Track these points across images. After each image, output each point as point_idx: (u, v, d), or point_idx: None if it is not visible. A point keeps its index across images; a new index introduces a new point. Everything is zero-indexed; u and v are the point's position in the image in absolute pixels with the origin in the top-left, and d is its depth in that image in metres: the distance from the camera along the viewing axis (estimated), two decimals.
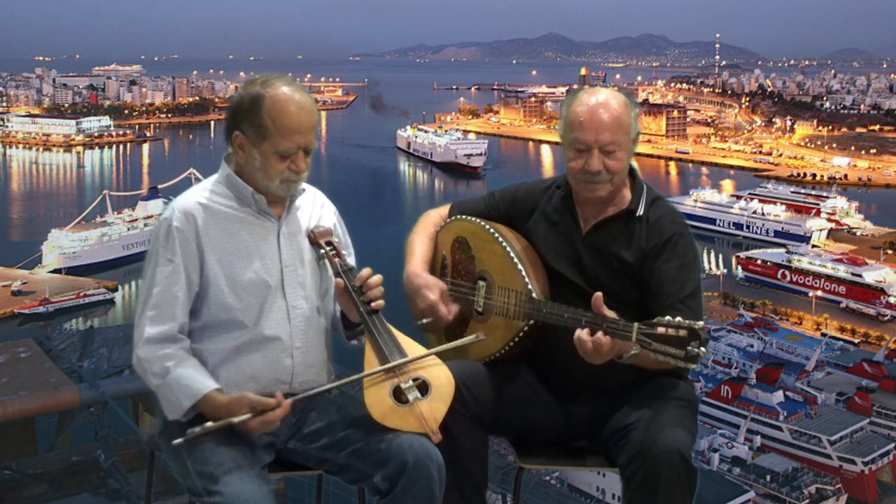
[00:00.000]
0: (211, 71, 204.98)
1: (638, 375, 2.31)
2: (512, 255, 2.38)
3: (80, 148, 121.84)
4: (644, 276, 2.29)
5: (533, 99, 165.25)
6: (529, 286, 2.32)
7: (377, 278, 2.26)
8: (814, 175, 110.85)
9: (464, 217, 2.56)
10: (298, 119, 2.17)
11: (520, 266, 2.36)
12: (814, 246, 68.48)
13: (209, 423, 2.03)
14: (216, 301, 2.18)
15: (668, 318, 2.03)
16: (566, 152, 2.36)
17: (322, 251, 2.30)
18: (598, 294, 2.13)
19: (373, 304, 2.24)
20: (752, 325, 50.60)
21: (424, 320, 2.42)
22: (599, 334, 2.10)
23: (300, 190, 2.31)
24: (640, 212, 2.36)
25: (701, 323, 2.02)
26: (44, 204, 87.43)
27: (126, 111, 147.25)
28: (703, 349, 1.99)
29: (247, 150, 2.20)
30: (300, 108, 2.18)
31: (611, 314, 2.11)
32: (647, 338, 2.03)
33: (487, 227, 2.48)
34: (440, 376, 2.20)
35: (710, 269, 64.78)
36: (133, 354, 2.15)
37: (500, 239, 2.43)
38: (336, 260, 2.28)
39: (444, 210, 2.65)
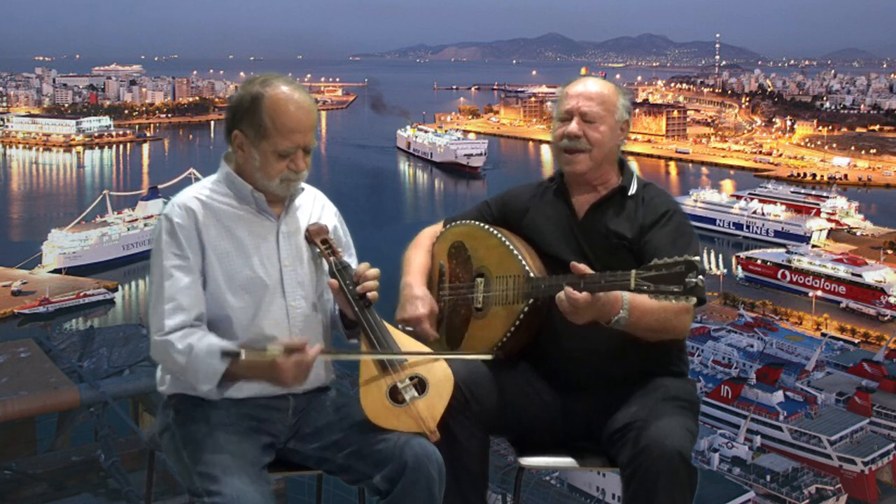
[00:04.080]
0: (211, 71, 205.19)
1: (637, 368, 2.33)
2: (507, 242, 2.40)
3: (80, 148, 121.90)
4: (644, 248, 2.32)
5: (533, 99, 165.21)
6: (526, 267, 2.34)
7: (374, 271, 2.25)
8: (814, 175, 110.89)
9: (457, 223, 2.58)
10: (298, 118, 2.17)
11: (515, 251, 2.38)
12: (814, 246, 68.51)
13: (243, 354, 2.02)
14: (214, 298, 2.18)
15: (664, 258, 2.04)
16: (553, 126, 2.46)
17: (317, 249, 2.29)
18: (573, 263, 2.16)
19: (367, 297, 2.22)
20: (752, 325, 50.63)
21: (406, 328, 2.40)
22: (571, 290, 2.12)
23: (299, 189, 2.30)
24: (633, 190, 2.42)
25: (697, 257, 2.02)
26: (44, 204, 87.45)
27: (126, 111, 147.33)
28: (701, 277, 1.99)
29: (246, 149, 2.20)
30: (299, 107, 2.17)
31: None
32: (646, 280, 2.04)
33: (480, 224, 2.51)
34: (438, 373, 2.19)
35: (710, 269, 64.75)
36: (150, 345, 2.12)
37: (495, 231, 2.45)
38: (331, 258, 2.27)
39: (437, 226, 2.66)
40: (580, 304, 2.11)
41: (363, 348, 2.22)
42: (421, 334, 2.39)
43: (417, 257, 2.56)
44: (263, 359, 2.01)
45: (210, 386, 2.08)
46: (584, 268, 2.14)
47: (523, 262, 2.35)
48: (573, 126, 2.38)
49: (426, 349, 2.25)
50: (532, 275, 2.32)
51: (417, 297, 2.43)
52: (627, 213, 2.39)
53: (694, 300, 2.02)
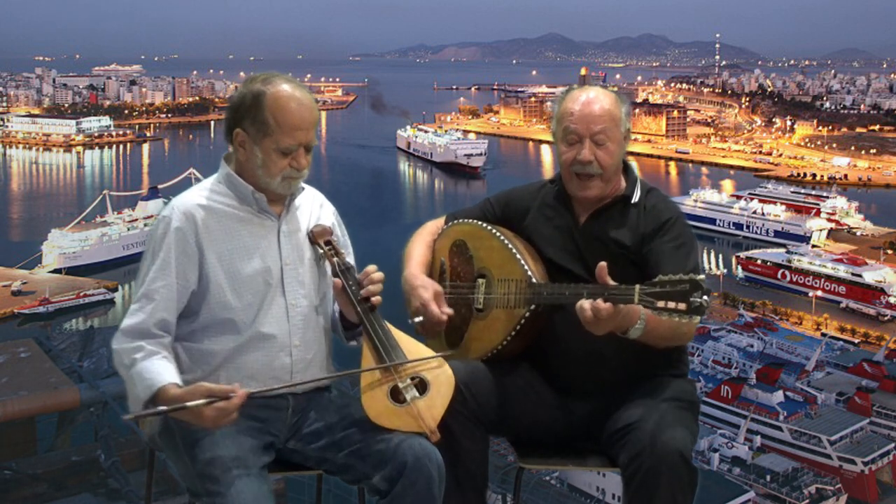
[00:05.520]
0: (211, 71, 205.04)
1: (638, 368, 2.33)
2: (510, 246, 2.39)
3: (80, 148, 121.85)
4: (644, 258, 2.31)
5: (533, 99, 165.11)
6: (529, 272, 2.33)
7: (379, 275, 2.26)
8: (814, 175, 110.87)
9: (459, 221, 2.57)
10: (300, 116, 2.18)
11: (518, 255, 2.37)
12: (814, 246, 68.50)
13: (161, 408, 1.98)
14: (216, 299, 2.18)
15: (669, 275, 2.02)
16: (559, 146, 2.41)
17: (321, 250, 2.30)
18: (602, 264, 2.12)
19: (371, 300, 2.23)
20: (752, 325, 50.61)
21: (417, 318, 2.41)
22: (599, 301, 2.09)
23: (300, 188, 2.31)
24: (636, 198, 2.40)
25: (702, 276, 2.01)
26: (44, 204, 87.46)
27: (126, 111, 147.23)
28: (706, 298, 1.98)
29: (248, 147, 2.21)
30: (301, 104, 2.18)
31: (612, 283, 2.11)
32: (650, 297, 2.02)
33: (484, 224, 2.50)
34: (440, 374, 2.19)
35: (710, 269, 64.77)
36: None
37: (497, 233, 2.44)
38: (335, 259, 2.28)
39: (440, 221, 2.65)
40: (603, 315, 2.08)
41: (365, 351, 2.22)
42: (431, 317, 2.38)
43: (418, 251, 2.56)
44: (184, 408, 1.96)
45: (134, 409, 2.04)
46: (607, 276, 2.10)
47: (526, 268, 2.34)
48: (586, 153, 2.33)
49: (420, 348, 2.24)
50: (534, 280, 2.31)
51: (419, 285, 2.44)
52: (629, 221, 2.37)
53: (697, 319, 2.01)
